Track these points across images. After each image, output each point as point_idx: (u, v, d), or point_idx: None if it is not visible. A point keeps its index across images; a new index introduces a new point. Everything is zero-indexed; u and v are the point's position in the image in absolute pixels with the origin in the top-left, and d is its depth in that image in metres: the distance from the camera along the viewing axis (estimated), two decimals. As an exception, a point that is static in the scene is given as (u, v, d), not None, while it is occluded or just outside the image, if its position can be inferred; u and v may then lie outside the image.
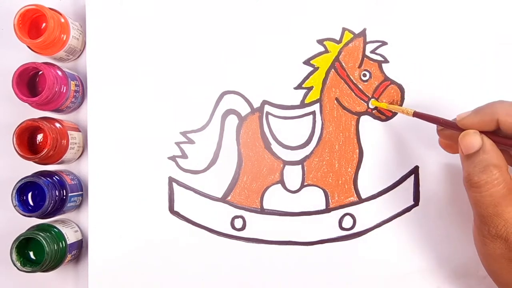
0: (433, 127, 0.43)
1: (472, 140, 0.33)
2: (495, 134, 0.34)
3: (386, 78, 0.43)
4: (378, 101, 0.42)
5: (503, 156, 0.33)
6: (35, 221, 0.43)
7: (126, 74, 0.43)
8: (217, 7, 0.43)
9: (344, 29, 0.43)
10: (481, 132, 0.34)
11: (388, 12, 0.43)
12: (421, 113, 0.38)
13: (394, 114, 0.43)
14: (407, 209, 0.42)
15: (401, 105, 0.42)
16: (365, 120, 0.43)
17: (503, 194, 0.32)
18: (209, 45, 0.43)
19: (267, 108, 0.43)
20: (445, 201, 0.42)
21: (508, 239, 0.32)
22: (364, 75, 0.43)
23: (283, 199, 0.43)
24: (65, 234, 0.42)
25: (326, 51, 0.43)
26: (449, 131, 0.37)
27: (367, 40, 0.43)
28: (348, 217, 0.43)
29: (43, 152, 0.40)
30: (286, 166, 0.43)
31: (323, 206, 0.43)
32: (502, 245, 0.33)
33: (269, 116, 0.43)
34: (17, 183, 0.40)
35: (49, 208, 0.40)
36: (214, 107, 0.43)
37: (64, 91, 0.41)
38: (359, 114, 0.43)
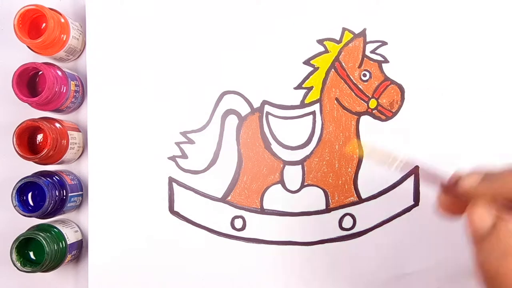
0: (434, 126, 0.43)
1: (484, 217, 0.26)
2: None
3: (386, 78, 0.42)
4: (377, 101, 0.42)
5: None
6: (35, 221, 0.43)
7: (126, 74, 0.43)
8: (217, 7, 0.43)
9: (344, 29, 0.43)
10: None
11: (388, 12, 0.43)
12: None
13: (395, 114, 0.43)
14: (407, 209, 0.42)
15: (401, 105, 0.42)
16: (365, 120, 0.43)
17: None
18: (209, 45, 0.43)
19: (267, 108, 0.43)
20: (445, 201, 0.42)
21: None
22: (364, 75, 0.43)
23: (283, 199, 0.43)
24: (65, 234, 0.42)
25: (326, 51, 0.43)
26: (450, 200, 0.30)
27: (367, 40, 0.43)
28: (348, 217, 0.43)
29: (43, 152, 0.40)
30: (286, 166, 0.43)
31: (323, 206, 0.43)
32: None
33: (269, 116, 0.43)
34: (17, 183, 0.40)
35: (49, 208, 0.40)
36: (214, 107, 0.43)
37: (64, 91, 0.41)
38: (359, 114, 0.43)
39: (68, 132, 0.42)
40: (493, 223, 0.26)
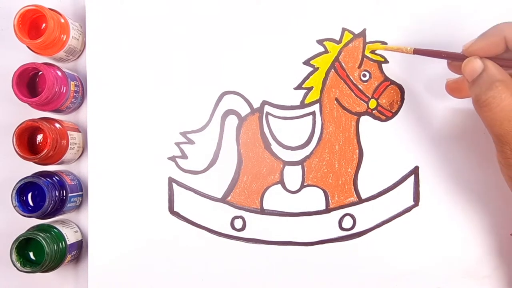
0: (434, 126, 0.43)
1: (474, 64, 0.34)
2: (499, 58, 0.34)
3: (386, 78, 0.42)
4: (377, 101, 0.42)
5: (507, 73, 0.33)
6: (35, 221, 0.43)
7: (126, 74, 0.43)
8: (217, 7, 0.43)
9: (344, 29, 0.43)
10: (489, 57, 0.34)
11: (388, 12, 0.43)
12: (422, 49, 0.38)
13: (394, 114, 0.43)
14: (407, 209, 0.42)
15: (401, 105, 0.42)
16: (365, 120, 0.43)
17: None
18: (209, 45, 0.43)
19: (267, 108, 0.43)
20: (445, 201, 0.42)
21: None
22: (364, 75, 0.43)
23: (283, 200, 0.43)
24: (65, 235, 0.42)
25: (326, 51, 0.43)
26: (458, 63, 0.37)
27: (367, 40, 0.43)
28: (348, 217, 0.43)
29: (43, 153, 0.40)
30: (286, 167, 0.43)
31: (323, 207, 0.43)
32: None
33: (269, 117, 0.43)
34: (17, 183, 0.40)
35: (49, 209, 0.40)
36: (214, 107, 0.43)
37: (64, 91, 0.41)
38: (359, 114, 0.43)
39: (68, 132, 0.42)
40: (482, 68, 0.34)
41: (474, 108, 0.34)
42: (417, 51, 0.38)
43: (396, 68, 0.42)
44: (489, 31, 0.34)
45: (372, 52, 0.42)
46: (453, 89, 0.40)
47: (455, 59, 0.37)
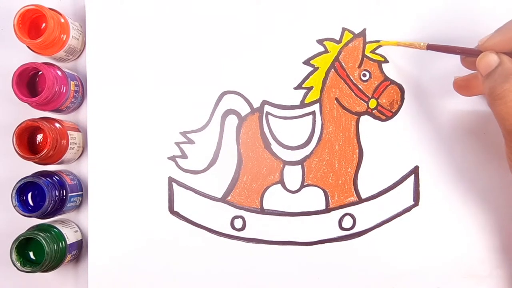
0: (434, 126, 0.43)
1: (489, 58, 0.34)
2: None
3: (386, 78, 0.42)
4: (377, 101, 0.42)
5: None
6: (35, 221, 0.43)
7: (126, 74, 0.43)
8: (217, 7, 0.43)
9: (344, 29, 0.43)
10: (504, 53, 0.34)
11: (388, 12, 0.43)
12: (435, 44, 0.38)
13: (394, 114, 0.43)
14: (407, 209, 0.42)
15: (401, 105, 0.42)
16: (365, 120, 0.43)
17: None
18: (209, 45, 0.43)
19: (267, 108, 0.43)
20: (445, 201, 0.42)
21: None
22: (364, 75, 0.43)
23: (283, 199, 0.43)
24: (65, 234, 0.42)
25: (326, 51, 0.43)
26: (472, 58, 0.37)
27: (367, 40, 0.43)
28: (348, 217, 0.43)
29: (43, 152, 0.40)
30: (286, 166, 0.43)
31: (323, 206, 0.43)
32: None
33: (269, 116, 0.43)
34: (17, 183, 0.40)
35: (49, 208, 0.40)
36: (214, 107, 0.43)
37: (64, 91, 0.41)
38: (359, 114, 0.43)
39: (68, 132, 0.42)
40: (498, 62, 0.33)
41: (487, 102, 0.34)
42: (430, 47, 0.38)
43: (396, 68, 0.42)
44: (505, 26, 0.34)
45: (373, 51, 0.42)
46: (461, 87, 0.40)
47: (469, 55, 0.37)
